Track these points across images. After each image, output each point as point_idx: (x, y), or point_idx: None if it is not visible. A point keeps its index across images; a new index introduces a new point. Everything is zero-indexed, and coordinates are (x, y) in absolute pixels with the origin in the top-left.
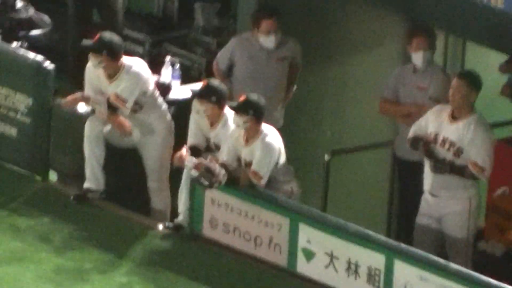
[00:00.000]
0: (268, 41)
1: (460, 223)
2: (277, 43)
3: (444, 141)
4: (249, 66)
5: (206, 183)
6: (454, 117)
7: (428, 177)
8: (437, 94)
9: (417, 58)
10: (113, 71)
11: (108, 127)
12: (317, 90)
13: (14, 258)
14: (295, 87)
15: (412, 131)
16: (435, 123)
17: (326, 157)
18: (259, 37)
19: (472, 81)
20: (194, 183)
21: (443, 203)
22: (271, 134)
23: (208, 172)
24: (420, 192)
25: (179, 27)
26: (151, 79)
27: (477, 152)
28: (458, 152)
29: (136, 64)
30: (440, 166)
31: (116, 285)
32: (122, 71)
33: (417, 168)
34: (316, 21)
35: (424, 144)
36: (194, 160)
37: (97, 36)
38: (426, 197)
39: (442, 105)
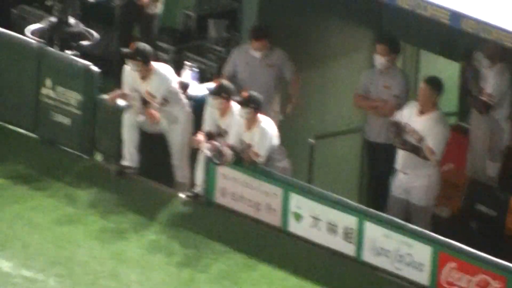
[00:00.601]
0: (257, 54)
1: (422, 194)
2: (263, 54)
3: (411, 129)
4: (246, 70)
5: (217, 161)
6: (421, 112)
7: (399, 158)
8: (398, 92)
9: (376, 60)
10: (145, 73)
11: (141, 117)
12: (303, 88)
13: (68, 220)
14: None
15: (394, 118)
16: (407, 115)
17: (311, 140)
18: (252, 49)
19: (435, 85)
20: (208, 161)
21: (410, 179)
22: (267, 122)
23: (218, 153)
24: (384, 167)
25: (196, 38)
26: (174, 80)
27: (432, 139)
28: (419, 139)
29: (163, 68)
30: (404, 145)
31: (147, 242)
32: (152, 73)
33: (382, 148)
34: (302, 32)
35: (397, 128)
36: (213, 144)
37: (133, 46)
38: (398, 174)
39: (415, 101)
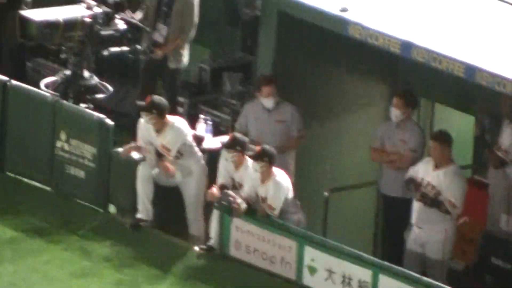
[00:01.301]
0: (267, 102)
1: (439, 248)
2: (275, 104)
3: (427, 184)
4: (256, 125)
5: (224, 203)
6: (436, 166)
7: (415, 213)
8: (415, 146)
9: (393, 114)
10: (160, 127)
11: (156, 170)
12: (318, 140)
13: (83, 274)
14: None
15: (408, 174)
16: (423, 169)
17: (326, 194)
18: (261, 99)
19: (443, 140)
20: (222, 213)
21: (426, 233)
22: (281, 176)
23: (228, 197)
24: (399, 221)
25: (211, 91)
26: (189, 133)
27: (452, 193)
28: (437, 194)
29: (178, 121)
30: (424, 199)
31: None
32: (167, 126)
33: (397, 202)
34: (318, 85)
35: (415, 184)
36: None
37: (149, 99)
38: (414, 228)
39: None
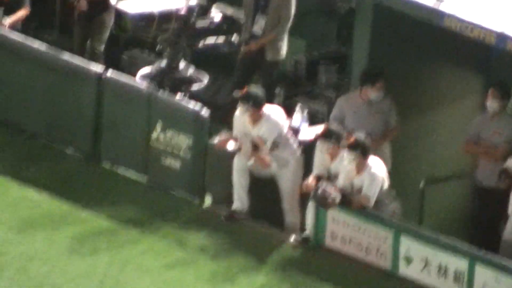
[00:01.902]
0: (377, 96)
1: None
2: (379, 98)
3: None
4: (354, 118)
5: (319, 197)
6: None
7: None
8: (510, 137)
9: (489, 105)
10: (256, 118)
11: (251, 161)
12: (414, 132)
13: (178, 264)
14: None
15: (505, 165)
16: None
17: (422, 184)
18: (371, 92)
19: None
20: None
21: None
22: (376, 166)
23: (323, 192)
24: (495, 212)
25: (306, 83)
26: (285, 124)
27: None
28: None
29: (275, 111)
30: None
31: (258, 285)
32: (263, 118)
33: (493, 193)
34: (412, 77)
35: (507, 175)
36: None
37: (246, 89)
38: (510, 219)
39: None
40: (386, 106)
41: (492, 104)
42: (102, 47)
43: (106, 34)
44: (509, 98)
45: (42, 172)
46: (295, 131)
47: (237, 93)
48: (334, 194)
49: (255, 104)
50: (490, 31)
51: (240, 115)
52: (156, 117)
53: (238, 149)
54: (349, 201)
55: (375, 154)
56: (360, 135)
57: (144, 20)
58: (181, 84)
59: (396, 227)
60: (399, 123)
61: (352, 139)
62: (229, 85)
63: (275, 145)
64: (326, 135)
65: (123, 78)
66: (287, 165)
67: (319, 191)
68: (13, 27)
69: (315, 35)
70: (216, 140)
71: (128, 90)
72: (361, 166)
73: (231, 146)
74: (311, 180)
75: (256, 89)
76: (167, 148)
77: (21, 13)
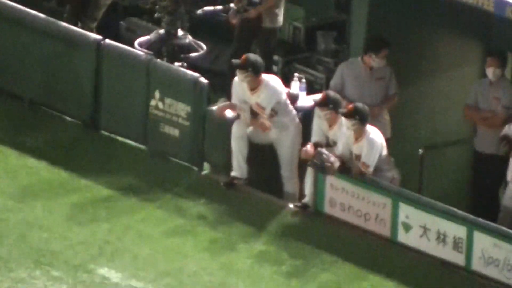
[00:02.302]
0: (380, 63)
1: None
2: (381, 65)
3: None
4: (355, 84)
5: (318, 163)
6: None
7: (510, 170)
8: (508, 103)
9: (489, 73)
10: (255, 85)
11: (250, 128)
12: (413, 99)
13: (177, 232)
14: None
15: (504, 130)
16: None
17: (421, 151)
18: (375, 60)
19: None
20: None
21: None
22: (374, 133)
23: (321, 157)
24: (494, 178)
25: (305, 50)
26: (284, 91)
27: None
28: None
29: (272, 79)
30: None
31: (256, 252)
32: (262, 85)
33: (492, 159)
34: (412, 44)
35: (508, 142)
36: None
37: (244, 57)
38: (509, 185)
39: None
40: (387, 73)
41: (494, 71)
42: (94, 24)
43: (100, 12)
44: (506, 65)
45: (42, 140)
46: (293, 99)
47: (236, 61)
48: (333, 159)
49: (254, 71)
50: None
51: (239, 83)
52: (154, 85)
53: (237, 117)
54: (348, 168)
55: (374, 122)
56: (358, 103)
57: None
58: (180, 52)
59: (395, 194)
60: (398, 91)
61: (350, 107)
62: (227, 53)
63: (274, 112)
64: (324, 102)
65: (122, 46)
66: (286, 131)
67: (318, 157)
68: None
69: (313, 2)
70: (215, 107)
71: (126, 58)
72: (359, 133)
73: (230, 113)
74: (309, 147)
75: (255, 56)
76: (166, 116)
77: None
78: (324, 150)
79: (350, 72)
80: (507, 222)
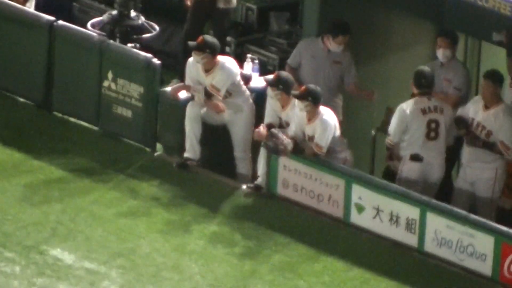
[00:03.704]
0: (336, 48)
1: (487, 187)
2: (343, 49)
3: (478, 125)
4: (312, 63)
5: (271, 145)
6: (486, 107)
7: (465, 152)
8: (459, 85)
9: (439, 54)
10: (210, 66)
11: (204, 109)
12: (366, 81)
13: (130, 213)
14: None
15: (458, 112)
16: (473, 110)
17: (373, 132)
18: (331, 44)
19: (495, 79)
20: (270, 153)
21: (476, 172)
22: (327, 114)
23: (275, 138)
24: (447, 159)
25: (258, 31)
26: (238, 72)
27: (504, 134)
28: (488, 134)
29: (227, 61)
30: (475, 141)
31: (209, 234)
32: (217, 66)
33: None
34: (364, 25)
35: (465, 124)
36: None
37: (201, 38)
38: (464, 167)
39: (479, 96)
40: (345, 60)
41: (444, 52)
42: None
43: None
44: (456, 44)
45: None
46: (246, 79)
47: (192, 43)
48: (286, 141)
49: (212, 53)
50: None
51: (193, 63)
52: (107, 66)
53: (191, 98)
54: (301, 149)
55: (328, 104)
56: (311, 85)
57: None
58: (132, 32)
59: (348, 175)
60: (357, 81)
61: (302, 88)
62: (180, 34)
63: (228, 93)
64: (274, 82)
65: (75, 27)
66: (240, 112)
67: (271, 139)
68: None
69: None
70: (168, 88)
71: (79, 39)
72: (312, 114)
73: (183, 94)
74: (262, 128)
75: (211, 38)
76: (119, 97)
77: None
78: (277, 132)
79: (308, 50)
80: (461, 203)
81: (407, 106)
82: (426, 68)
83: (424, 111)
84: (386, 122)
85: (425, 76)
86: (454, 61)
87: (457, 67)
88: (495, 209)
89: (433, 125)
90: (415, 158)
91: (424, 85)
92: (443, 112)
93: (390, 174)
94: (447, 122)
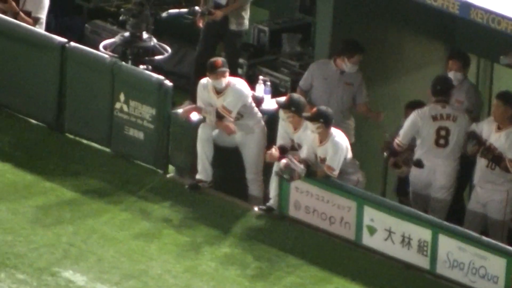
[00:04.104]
0: (351, 68)
1: (500, 208)
2: (355, 69)
3: (489, 146)
4: (324, 85)
5: (287, 177)
6: (499, 128)
7: (478, 172)
8: (471, 106)
9: (450, 76)
10: (222, 88)
11: (216, 131)
12: (377, 102)
13: (142, 234)
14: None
15: (471, 128)
16: (487, 131)
17: (385, 154)
18: (347, 65)
19: (507, 100)
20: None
21: (487, 193)
22: (339, 136)
23: (290, 170)
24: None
25: (270, 53)
26: (249, 94)
27: None
28: (499, 155)
29: (239, 82)
30: (487, 153)
31: (221, 255)
32: (229, 88)
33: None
34: (376, 46)
35: (477, 139)
36: (282, 161)
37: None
38: (476, 188)
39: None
40: (357, 80)
41: (452, 75)
42: (42, 14)
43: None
44: (468, 66)
45: (6, 142)
46: (259, 101)
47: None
48: (300, 169)
49: (224, 73)
50: (454, 0)
51: (204, 85)
52: (119, 87)
53: (203, 119)
54: (314, 171)
55: (339, 126)
56: (322, 106)
57: None
58: (144, 54)
59: (360, 197)
60: (367, 101)
61: (314, 110)
62: (192, 55)
63: (239, 115)
64: (286, 104)
65: (87, 48)
66: (251, 134)
67: (286, 170)
68: None
69: (278, 5)
70: (180, 110)
71: (91, 61)
72: (324, 136)
73: (195, 116)
74: (274, 150)
75: (223, 59)
76: (131, 119)
77: None
78: (290, 162)
79: (320, 72)
80: (473, 225)
81: (421, 112)
82: (444, 75)
83: (435, 118)
84: (385, 148)
85: (441, 83)
86: (465, 82)
87: (468, 89)
88: (507, 231)
89: (442, 132)
90: (417, 164)
91: (438, 92)
92: (457, 120)
93: (401, 184)
94: (461, 131)
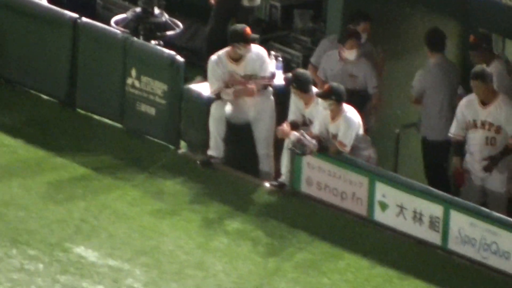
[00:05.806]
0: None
1: (500, 181)
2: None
3: (483, 123)
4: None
5: (300, 153)
6: (484, 103)
7: (475, 148)
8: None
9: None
10: (239, 56)
11: (228, 108)
12: (390, 79)
13: (154, 211)
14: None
15: (452, 132)
16: (470, 112)
17: (397, 130)
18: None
19: (484, 77)
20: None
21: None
22: (351, 112)
23: (302, 145)
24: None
25: (282, 28)
26: (269, 61)
27: (510, 126)
28: (498, 130)
29: (259, 50)
30: (496, 162)
31: (233, 231)
32: (247, 55)
33: (437, 146)
34: (388, 23)
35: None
36: (294, 135)
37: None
38: (474, 164)
39: (468, 95)
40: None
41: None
42: None
43: None
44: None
45: (18, 118)
46: (271, 77)
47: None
48: (312, 145)
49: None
50: None
51: (217, 61)
52: (131, 63)
53: (217, 97)
54: (326, 147)
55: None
56: (334, 83)
57: None
58: (156, 30)
59: (371, 173)
60: (380, 89)
61: (326, 87)
62: (204, 31)
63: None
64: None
65: (98, 24)
66: (263, 111)
67: (298, 145)
68: None
69: None
70: (191, 85)
71: (103, 36)
72: (336, 112)
73: (206, 91)
74: (286, 125)
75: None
76: (143, 94)
77: None
78: (302, 137)
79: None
80: (471, 198)
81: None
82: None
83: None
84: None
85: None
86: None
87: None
88: (506, 204)
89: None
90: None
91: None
92: None
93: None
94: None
